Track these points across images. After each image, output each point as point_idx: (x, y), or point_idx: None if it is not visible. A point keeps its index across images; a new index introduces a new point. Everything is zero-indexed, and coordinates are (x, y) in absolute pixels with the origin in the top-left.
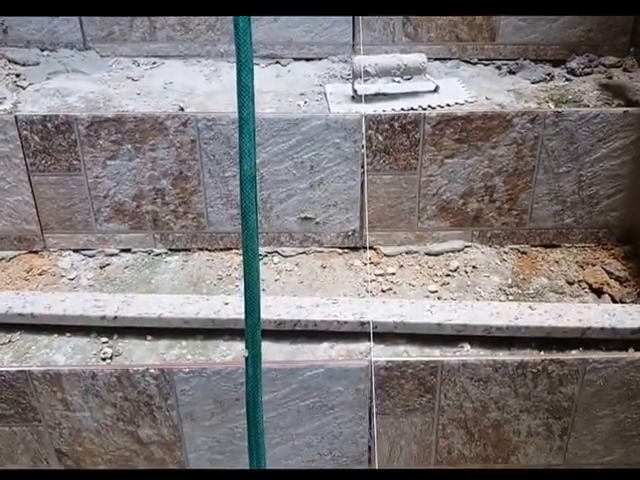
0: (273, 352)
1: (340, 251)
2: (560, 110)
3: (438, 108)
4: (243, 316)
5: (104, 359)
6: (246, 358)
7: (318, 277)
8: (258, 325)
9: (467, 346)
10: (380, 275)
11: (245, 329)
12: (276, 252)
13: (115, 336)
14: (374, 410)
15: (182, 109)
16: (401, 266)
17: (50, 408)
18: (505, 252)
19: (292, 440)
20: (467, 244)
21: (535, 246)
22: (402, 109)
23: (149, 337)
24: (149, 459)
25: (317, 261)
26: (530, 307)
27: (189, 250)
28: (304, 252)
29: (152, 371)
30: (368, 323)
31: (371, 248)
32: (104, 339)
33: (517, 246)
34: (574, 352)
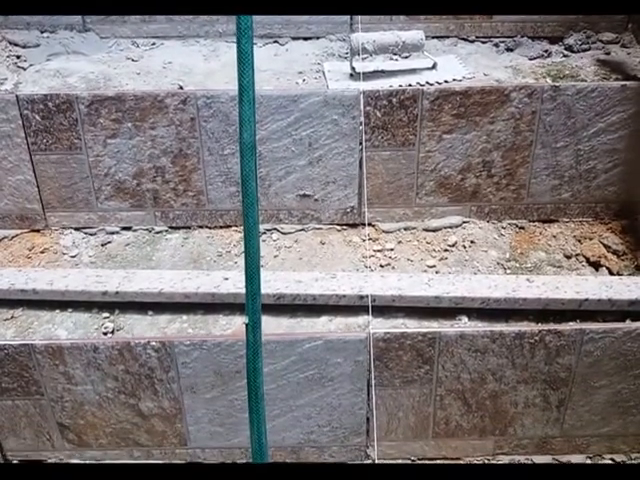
0: (272, 326)
1: (339, 228)
2: (557, 84)
3: (436, 84)
4: (243, 290)
5: (105, 334)
6: (246, 325)
7: (317, 253)
8: (258, 292)
9: (465, 319)
10: (378, 251)
11: (245, 295)
12: (275, 229)
13: (116, 311)
14: (372, 382)
15: (181, 88)
16: (399, 242)
17: (52, 381)
18: (503, 227)
19: (292, 412)
20: (465, 220)
21: (533, 221)
22: (400, 86)
23: (150, 312)
24: (150, 432)
25: (316, 238)
26: (528, 280)
27: (189, 228)
28: (303, 229)
29: (153, 344)
30: (367, 296)
31: (369, 224)
32: (105, 314)
33: (515, 221)
34: (571, 324)
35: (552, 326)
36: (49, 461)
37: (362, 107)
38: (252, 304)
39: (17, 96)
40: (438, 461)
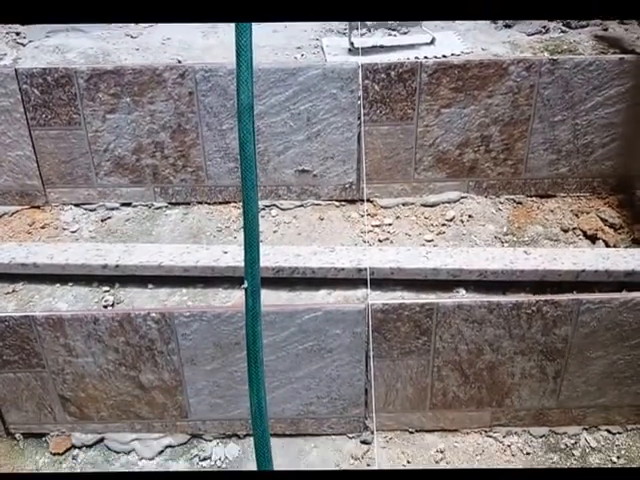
0: (272, 299)
1: (337, 204)
2: (555, 58)
3: (434, 58)
4: (242, 263)
5: (106, 307)
6: (245, 290)
7: (316, 229)
8: (257, 256)
9: (462, 291)
10: (377, 226)
11: (244, 259)
12: (274, 205)
13: (117, 285)
14: (371, 353)
15: (179, 62)
16: (397, 217)
17: (53, 354)
18: (501, 202)
19: (291, 383)
20: (463, 195)
21: (530, 196)
22: (398, 59)
23: (150, 285)
24: (151, 404)
25: (315, 213)
26: (525, 252)
27: (188, 204)
28: (302, 205)
29: (153, 315)
30: (365, 269)
31: (368, 200)
32: (106, 288)
33: (513, 196)
34: (568, 294)
35: (549, 296)
36: (52, 433)
37: (360, 81)
38: (251, 268)
39: (16, 70)
40: (436, 433)
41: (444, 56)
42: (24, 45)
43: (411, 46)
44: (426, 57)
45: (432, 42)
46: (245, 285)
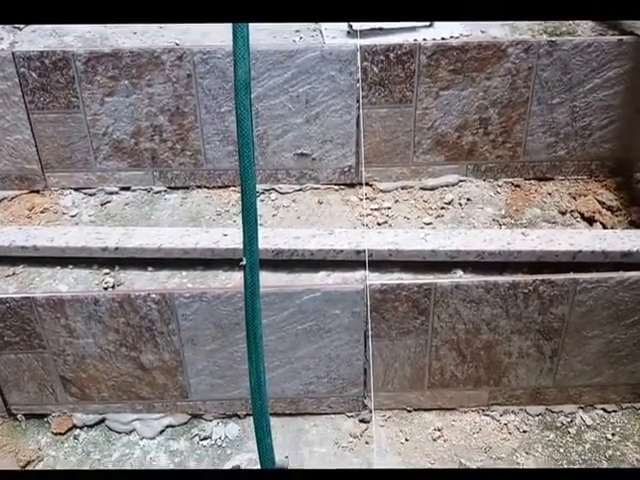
0: (271, 281)
1: (336, 187)
2: (554, 39)
3: (432, 40)
4: (242, 246)
5: (106, 289)
6: (244, 266)
7: (315, 212)
8: (255, 233)
9: (460, 272)
10: (376, 209)
11: (242, 237)
12: (273, 189)
13: (117, 267)
14: (370, 333)
15: (177, 44)
16: (396, 201)
17: (54, 335)
18: (499, 185)
19: (290, 363)
20: (462, 178)
21: (529, 179)
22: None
23: (150, 268)
24: (152, 385)
25: (314, 197)
26: (522, 233)
27: (187, 188)
28: (301, 189)
29: (153, 296)
30: (364, 251)
31: (367, 184)
32: (106, 270)
33: (511, 179)
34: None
35: (546, 276)
36: (53, 414)
37: (359, 63)
38: (249, 245)
39: (13, 53)
40: (433, 411)
41: (443, 38)
42: (20, 29)
43: (410, 29)
44: (425, 39)
45: (431, 24)
46: (244, 262)
